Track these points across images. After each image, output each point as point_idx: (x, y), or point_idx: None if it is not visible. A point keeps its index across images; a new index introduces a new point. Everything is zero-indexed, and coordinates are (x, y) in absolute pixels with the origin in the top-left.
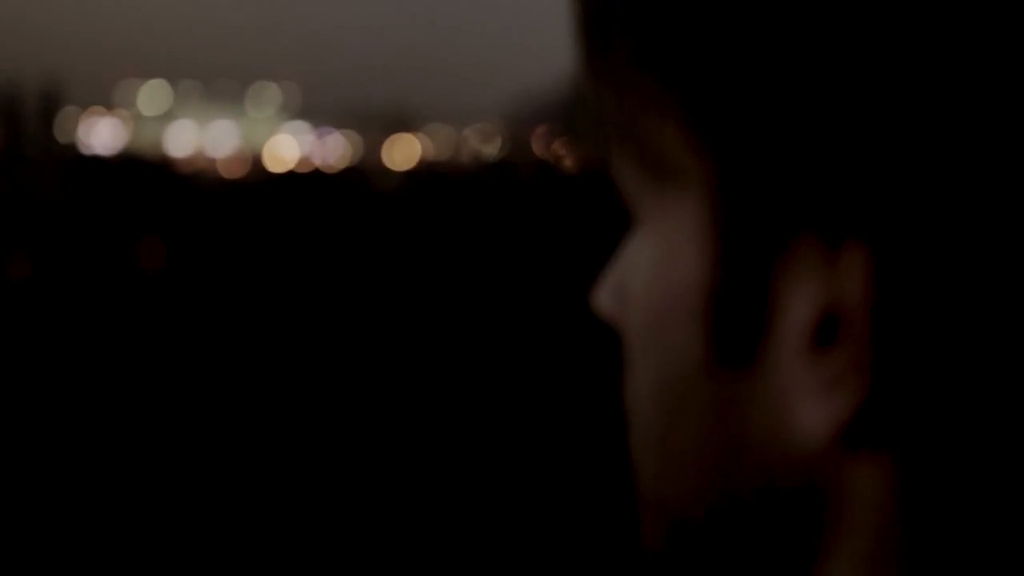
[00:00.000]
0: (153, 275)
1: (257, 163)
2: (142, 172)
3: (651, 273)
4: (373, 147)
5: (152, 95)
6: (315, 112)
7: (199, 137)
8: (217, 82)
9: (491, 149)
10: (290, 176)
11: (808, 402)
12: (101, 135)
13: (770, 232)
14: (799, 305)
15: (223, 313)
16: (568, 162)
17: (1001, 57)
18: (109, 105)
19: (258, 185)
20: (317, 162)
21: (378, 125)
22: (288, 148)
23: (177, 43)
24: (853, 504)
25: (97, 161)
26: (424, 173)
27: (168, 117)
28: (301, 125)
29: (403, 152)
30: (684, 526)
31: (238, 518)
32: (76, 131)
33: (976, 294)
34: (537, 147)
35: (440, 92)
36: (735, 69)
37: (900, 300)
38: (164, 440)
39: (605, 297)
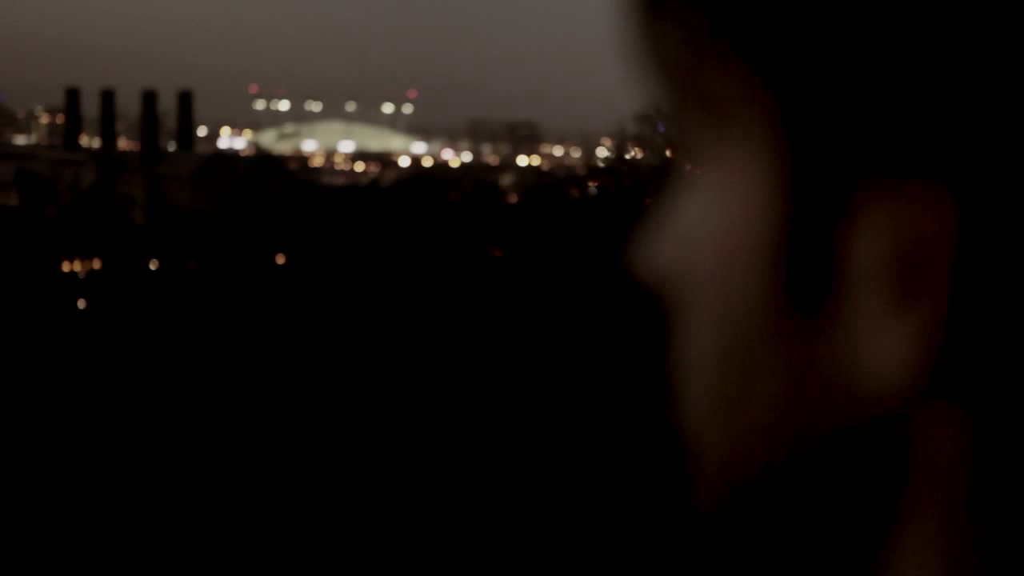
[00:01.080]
0: (284, 267)
1: (379, 177)
2: (274, 171)
3: (718, 221)
4: (484, 161)
5: (282, 111)
6: (433, 128)
7: (326, 150)
8: (341, 99)
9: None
10: (416, 178)
11: (886, 348)
12: (233, 145)
13: (841, 172)
14: (875, 248)
15: (349, 301)
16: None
17: None
18: (242, 121)
19: (380, 188)
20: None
21: (495, 140)
22: (407, 163)
23: (303, 64)
24: (929, 457)
25: (230, 162)
26: (537, 185)
27: (296, 133)
28: (419, 141)
29: (516, 165)
30: (752, 484)
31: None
32: (211, 142)
33: None
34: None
35: (557, 111)
36: (799, 11)
37: (982, 244)
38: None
39: (659, 253)
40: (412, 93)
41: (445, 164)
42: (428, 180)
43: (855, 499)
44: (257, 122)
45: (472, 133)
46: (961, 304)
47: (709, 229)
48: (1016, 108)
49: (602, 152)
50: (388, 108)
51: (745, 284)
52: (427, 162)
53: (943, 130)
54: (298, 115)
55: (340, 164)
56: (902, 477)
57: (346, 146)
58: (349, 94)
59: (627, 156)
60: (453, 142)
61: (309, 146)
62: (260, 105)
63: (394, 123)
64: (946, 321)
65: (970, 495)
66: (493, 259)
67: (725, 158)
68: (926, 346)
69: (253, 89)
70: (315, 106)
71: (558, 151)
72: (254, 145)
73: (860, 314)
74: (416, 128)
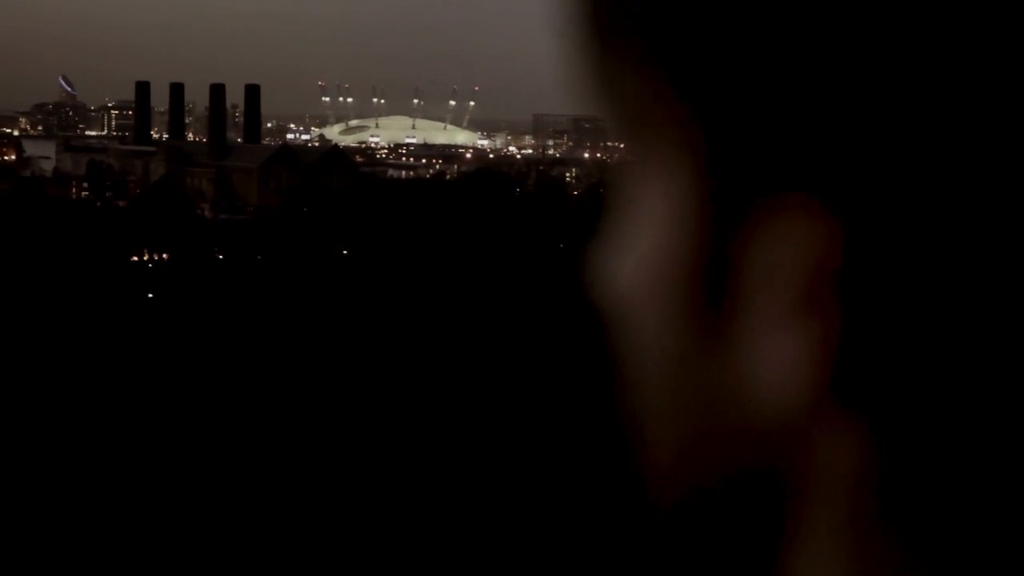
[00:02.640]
0: (348, 259)
1: (443, 171)
2: (341, 163)
3: (641, 239)
4: (542, 155)
5: (347, 108)
6: (497, 123)
7: (391, 143)
8: (405, 95)
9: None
10: (479, 172)
11: (782, 357)
12: (300, 139)
13: (743, 189)
14: (771, 261)
15: (408, 291)
16: None
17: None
18: (309, 116)
19: (443, 182)
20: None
21: (556, 136)
22: (470, 157)
23: (369, 59)
24: (829, 464)
25: (296, 155)
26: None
27: (361, 129)
28: (483, 136)
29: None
30: (683, 486)
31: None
32: (279, 137)
33: (938, 272)
34: None
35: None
36: (719, 44)
37: (869, 257)
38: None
39: (611, 273)
40: (476, 88)
41: (508, 158)
42: (491, 174)
43: (757, 503)
44: (323, 116)
45: (536, 128)
46: (853, 315)
47: (640, 242)
48: (897, 132)
49: None
50: (452, 103)
51: (668, 297)
52: (490, 156)
53: (831, 150)
54: (364, 109)
55: (405, 157)
56: (801, 483)
57: (411, 140)
58: (414, 89)
59: None
60: (517, 137)
61: (374, 139)
62: (327, 99)
63: (458, 118)
64: (839, 332)
65: (869, 499)
66: (556, 251)
67: (652, 171)
68: (822, 356)
69: (320, 84)
70: (381, 101)
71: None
72: (320, 138)
73: (758, 326)
74: (480, 123)
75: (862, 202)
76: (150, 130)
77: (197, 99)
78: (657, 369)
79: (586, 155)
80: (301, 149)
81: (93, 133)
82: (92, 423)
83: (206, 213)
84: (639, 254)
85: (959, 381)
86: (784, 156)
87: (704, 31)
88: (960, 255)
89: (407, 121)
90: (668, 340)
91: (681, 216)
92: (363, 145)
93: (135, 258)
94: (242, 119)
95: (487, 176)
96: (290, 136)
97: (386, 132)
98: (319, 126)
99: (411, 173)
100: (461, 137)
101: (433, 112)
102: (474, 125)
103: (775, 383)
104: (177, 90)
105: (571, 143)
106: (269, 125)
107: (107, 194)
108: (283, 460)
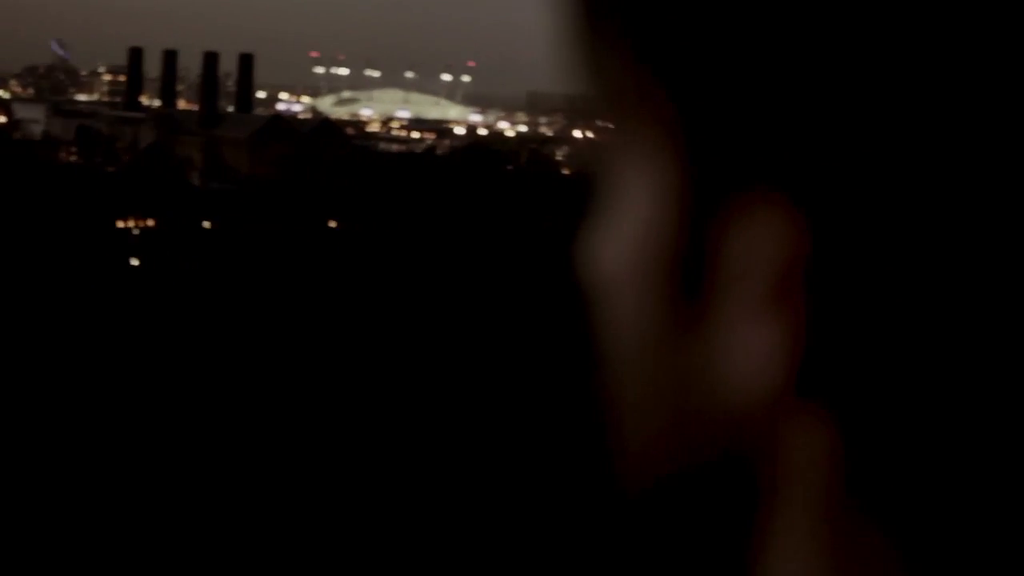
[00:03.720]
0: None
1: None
2: (334, 136)
3: (623, 225)
4: (538, 132)
5: (341, 78)
6: (491, 99)
7: (383, 116)
8: (400, 68)
9: None
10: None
11: (758, 352)
12: (293, 111)
13: (716, 182)
14: (743, 254)
15: (402, 266)
16: None
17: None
18: (302, 87)
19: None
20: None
21: (550, 114)
22: (464, 133)
23: (363, 31)
24: (797, 457)
25: (289, 126)
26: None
27: (354, 100)
28: (477, 111)
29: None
30: (652, 474)
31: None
32: (271, 107)
33: (904, 267)
34: None
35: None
36: (701, 34)
37: (836, 251)
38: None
39: (591, 259)
40: (471, 63)
41: (500, 135)
42: (482, 150)
43: (725, 493)
44: (316, 87)
45: (529, 105)
46: (821, 309)
47: (621, 231)
48: (867, 130)
49: None
50: (446, 77)
51: (641, 284)
52: (483, 132)
53: (800, 146)
54: (357, 81)
55: (396, 131)
56: (770, 474)
57: (403, 113)
58: (408, 62)
59: None
60: (510, 114)
61: (366, 112)
62: (319, 70)
63: (452, 93)
64: (807, 325)
65: (838, 491)
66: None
67: (635, 159)
68: (789, 349)
69: (313, 54)
70: (374, 73)
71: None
72: (312, 109)
73: (729, 318)
74: (474, 99)
75: (832, 195)
76: (141, 96)
77: (191, 65)
78: (627, 355)
79: (578, 134)
80: (292, 120)
81: (84, 98)
82: (70, 392)
83: (195, 182)
84: (618, 238)
85: (927, 374)
86: (758, 149)
87: (682, 19)
88: (928, 250)
89: (400, 95)
90: (639, 326)
91: (657, 202)
92: (355, 117)
93: (121, 224)
94: (235, 88)
95: (478, 153)
96: (281, 107)
97: (379, 105)
98: (311, 96)
99: (402, 147)
100: (454, 112)
101: (427, 86)
102: (469, 100)
103: (743, 373)
104: (170, 57)
105: (564, 121)
106: (261, 95)
107: (96, 159)
108: (265, 439)
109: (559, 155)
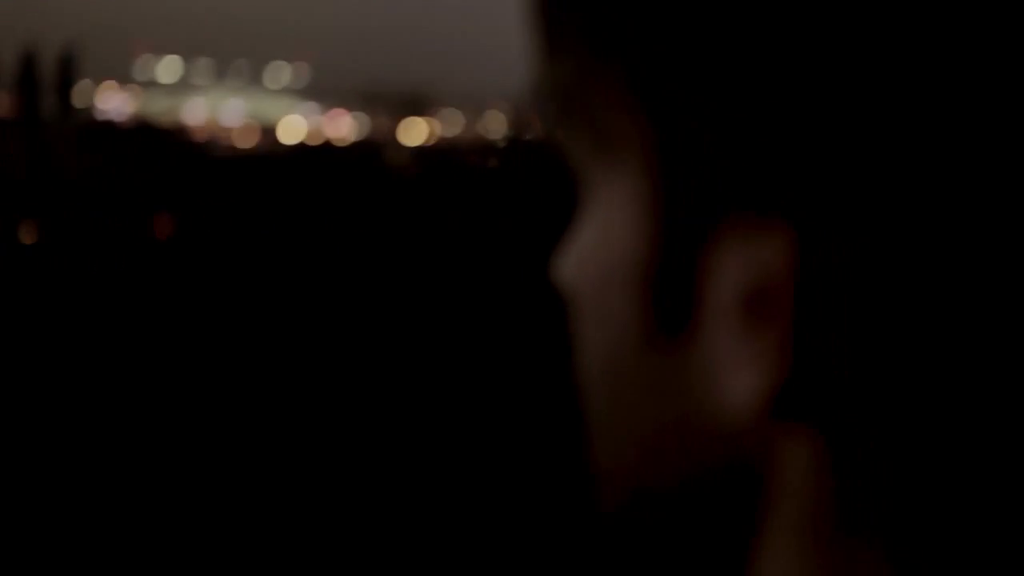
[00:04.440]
0: (165, 243)
1: (269, 138)
2: (156, 139)
3: (595, 243)
4: (383, 130)
5: (167, 71)
6: (326, 93)
7: (212, 113)
8: (231, 60)
9: (502, 133)
10: (302, 148)
11: (738, 374)
12: (116, 106)
13: (702, 207)
14: (730, 279)
15: (231, 281)
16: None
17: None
18: (125, 79)
19: (270, 157)
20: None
21: (389, 108)
22: (298, 127)
23: (192, 20)
24: (786, 477)
25: (112, 128)
26: (433, 154)
27: (182, 93)
28: (312, 106)
29: (413, 136)
30: (632, 494)
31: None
32: (92, 102)
33: (892, 280)
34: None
35: (454, 75)
36: (675, 44)
37: (819, 281)
38: (163, 410)
39: (563, 269)
40: (306, 57)
41: (332, 139)
42: (312, 154)
43: (715, 523)
44: (141, 81)
45: (365, 102)
46: (803, 334)
47: (589, 249)
48: (847, 154)
49: (500, 124)
50: (280, 71)
51: (614, 305)
52: (317, 133)
53: (792, 179)
54: (186, 75)
55: (226, 128)
56: (760, 500)
57: (234, 109)
58: (241, 54)
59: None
60: (348, 110)
61: (194, 108)
62: (144, 63)
63: (285, 88)
64: (792, 349)
65: (830, 516)
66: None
67: (606, 183)
68: (774, 373)
69: (137, 46)
70: (203, 66)
71: (455, 122)
72: (135, 105)
73: (714, 342)
74: (310, 94)
75: (814, 213)
76: None
77: (8, 58)
78: (599, 371)
79: (408, 134)
80: (112, 121)
81: None
82: None
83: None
84: (583, 248)
85: (912, 392)
86: (745, 177)
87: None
88: (912, 267)
89: (231, 89)
90: (624, 343)
91: (625, 216)
92: (179, 115)
93: None
94: (55, 86)
95: (310, 155)
96: (104, 105)
97: (209, 100)
98: (136, 91)
99: (233, 148)
100: (287, 108)
101: (260, 80)
102: (304, 95)
103: (731, 397)
104: None
105: (396, 118)
106: (82, 89)
107: None
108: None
109: (391, 161)
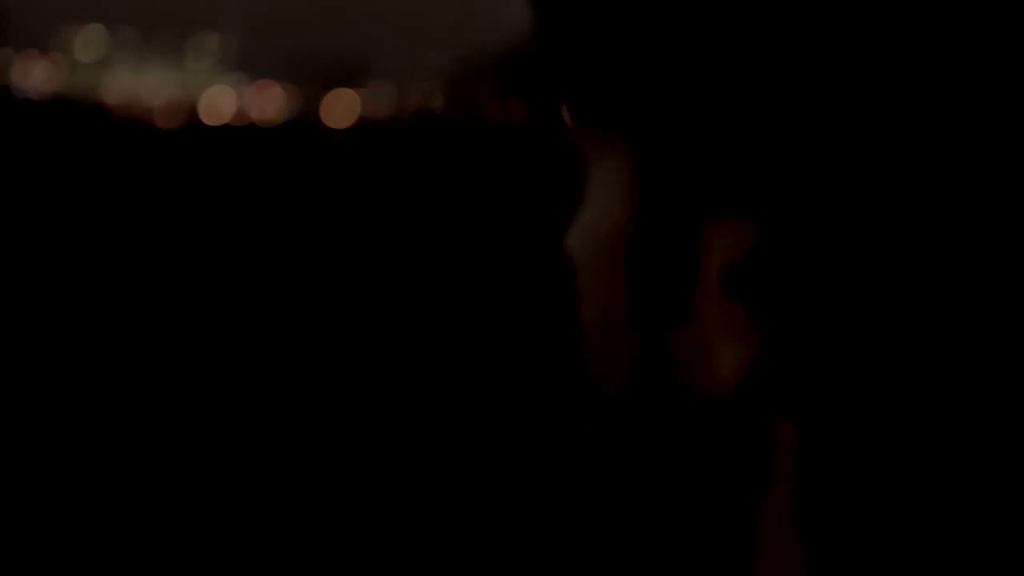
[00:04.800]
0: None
1: (193, 114)
2: (75, 117)
3: (592, 220)
4: (312, 102)
5: (89, 41)
6: (255, 64)
7: (135, 86)
8: (156, 30)
9: (435, 106)
10: (226, 129)
11: (721, 348)
12: (34, 79)
13: (685, 212)
14: (712, 261)
15: (162, 264)
16: (510, 118)
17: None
18: (44, 49)
19: (194, 137)
20: (254, 116)
21: (318, 79)
22: (226, 100)
23: None
24: (780, 456)
25: (29, 104)
26: (364, 130)
27: (104, 65)
28: (240, 77)
29: (343, 108)
30: (632, 462)
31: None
32: (9, 74)
33: (856, 276)
34: (480, 104)
35: (385, 46)
36: (643, 81)
37: (777, 268)
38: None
39: (569, 241)
40: (234, 26)
41: (254, 114)
42: (245, 132)
43: (700, 496)
44: (62, 49)
45: (293, 72)
46: (778, 328)
47: (588, 224)
48: (813, 162)
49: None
50: (207, 41)
51: (607, 278)
52: (243, 111)
53: (761, 181)
54: (111, 44)
55: (148, 106)
56: (742, 482)
57: (158, 83)
58: (166, 23)
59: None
60: (278, 81)
61: (118, 82)
62: (68, 28)
63: (206, 55)
64: (766, 343)
65: (801, 501)
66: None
67: (603, 161)
68: (750, 366)
69: (59, 14)
70: (127, 36)
71: (386, 95)
72: (54, 79)
73: (702, 333)
74: (242, 64)
75: (779, 209)
76: None
77: None
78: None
79: (334, 109)
80: (26, 97)
81: None
82: None
83: None
84: (583, 229)
85: (880, 382)
86: (722, 184)
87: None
88: (879, 260)
89: (158, 62)
90: (617, 315)
91: (617, 201)
92: (104, 90)
93: None
94: None
95: (238, 136)
96: (20, 75)
97: (132, 74)
98: (57, 59)
99: (155, 127)
100: (209, 81)
101: (168, 48)
102: (236, 66)
103: (713, 366)
104: None
105: (322, 92)
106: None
107: None
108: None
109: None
